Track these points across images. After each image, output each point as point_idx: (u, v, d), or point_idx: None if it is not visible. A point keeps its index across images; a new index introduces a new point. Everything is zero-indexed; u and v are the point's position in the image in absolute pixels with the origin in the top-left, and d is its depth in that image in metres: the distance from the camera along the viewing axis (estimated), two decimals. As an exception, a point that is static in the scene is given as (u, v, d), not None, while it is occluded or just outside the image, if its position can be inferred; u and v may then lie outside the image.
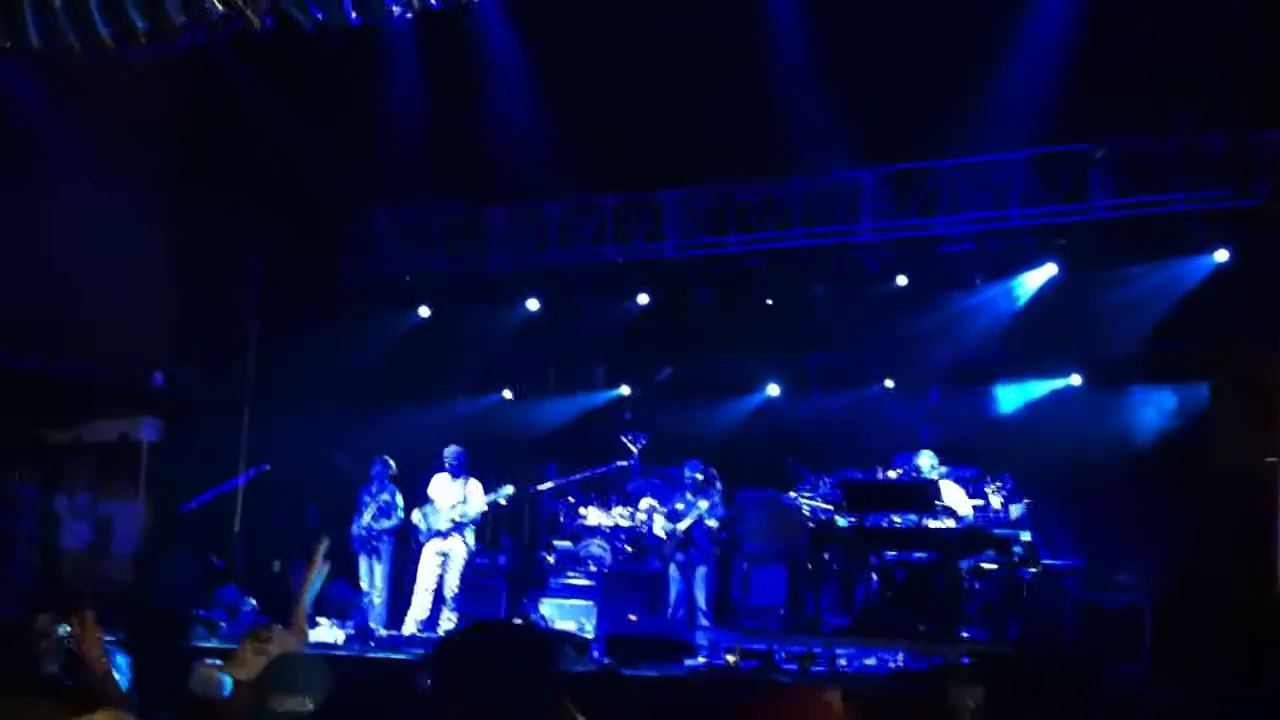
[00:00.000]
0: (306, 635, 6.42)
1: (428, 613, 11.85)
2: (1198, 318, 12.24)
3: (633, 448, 13.31)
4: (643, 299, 15.33)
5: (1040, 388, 13.79)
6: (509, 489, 12.11)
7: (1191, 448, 11.63)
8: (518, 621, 11.55)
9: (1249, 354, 9.20)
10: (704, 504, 11.81)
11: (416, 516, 12.12)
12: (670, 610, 11.63)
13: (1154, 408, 12.81)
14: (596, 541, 12.58)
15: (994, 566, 10.43)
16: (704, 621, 11.48)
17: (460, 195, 15.77)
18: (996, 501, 11.14)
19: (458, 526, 11.99)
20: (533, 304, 15.72)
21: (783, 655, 10.07)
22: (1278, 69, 8.80)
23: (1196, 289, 12.59)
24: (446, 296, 16.07)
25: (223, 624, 11.10)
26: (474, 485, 12.15)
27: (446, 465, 12.20)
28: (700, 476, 11.94)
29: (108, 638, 6.37)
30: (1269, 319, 8.73)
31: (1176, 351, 12.57)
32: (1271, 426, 8.65)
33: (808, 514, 11.53)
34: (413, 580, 12.01)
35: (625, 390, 16.06)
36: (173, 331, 14.44)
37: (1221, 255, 12.55)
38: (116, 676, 4.94)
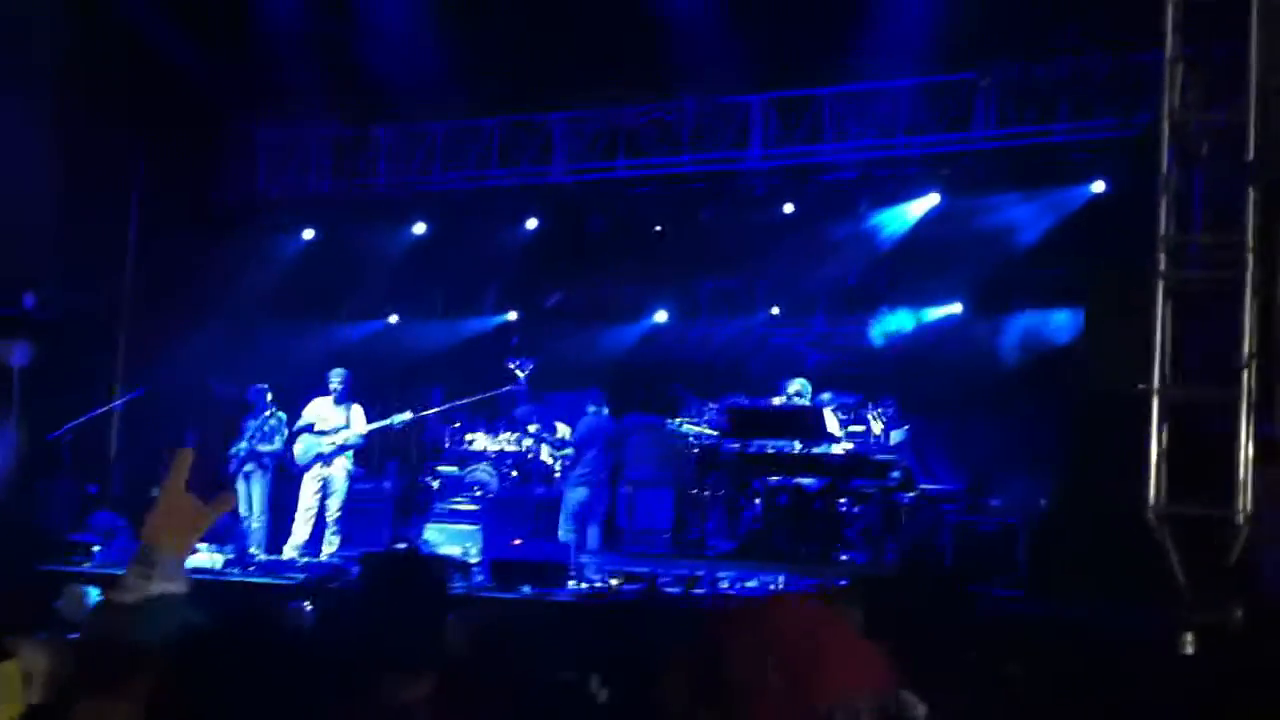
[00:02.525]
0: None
1: (308, 538, 11.73)
2: (1076, 245, 12.44)
3: (520, 373, 13.23)
4: (531, 224, 15.18)
5: (924, 315, 13.96)
6: (404, 415, 12.00)
7: (1068, 373, 11.87)
8: (402, 548, 11.51)
9: (1123, 280, 9.34)
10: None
11: (299, 442, 11.94)
12: (560, 535, 11.63)
13: (1032, 334, 13.05)
14: (483, 466, 12.52)
15: (873, 491, 10.60)
16: (591, 545, 11.52)
17: (344, 115, 15.43)
18: (878, 427, 11.30)
19: (340, 450, 11.85)
20: (419, 227, 15.48)
21: (667, 579, 10.16)
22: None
23: (1075, 216, 12.79)
24: (331, 218, 15.77)
25: (96, 548, 10.88)
26: (356, 410, 12.00)
27: (330, 389, 12.02)
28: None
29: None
30: (1144, 246, 8.85)
31: (1054, 278, 12.80)
32: (1144, 352, 8.80)
33: (693, 440, 11.59)
34: (294, 506, 11.86)
35: (513, 315, 15.94)
36: (45, 251, 13.96)
37: (1099, 186, 12.77)
38: None
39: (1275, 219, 8.71)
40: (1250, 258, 8.49)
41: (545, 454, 12.25)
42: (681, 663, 2.58)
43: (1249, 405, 8.49)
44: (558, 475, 12.18)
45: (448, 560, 10.34)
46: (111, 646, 4.77)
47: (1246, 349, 8.51)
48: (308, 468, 11.85)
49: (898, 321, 13.98)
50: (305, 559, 11.50)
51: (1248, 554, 7.96)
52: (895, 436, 11.30)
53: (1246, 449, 8.42)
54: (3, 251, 13.32)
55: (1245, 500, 8.25)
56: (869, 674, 2.59)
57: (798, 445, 10.93)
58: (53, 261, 14.21)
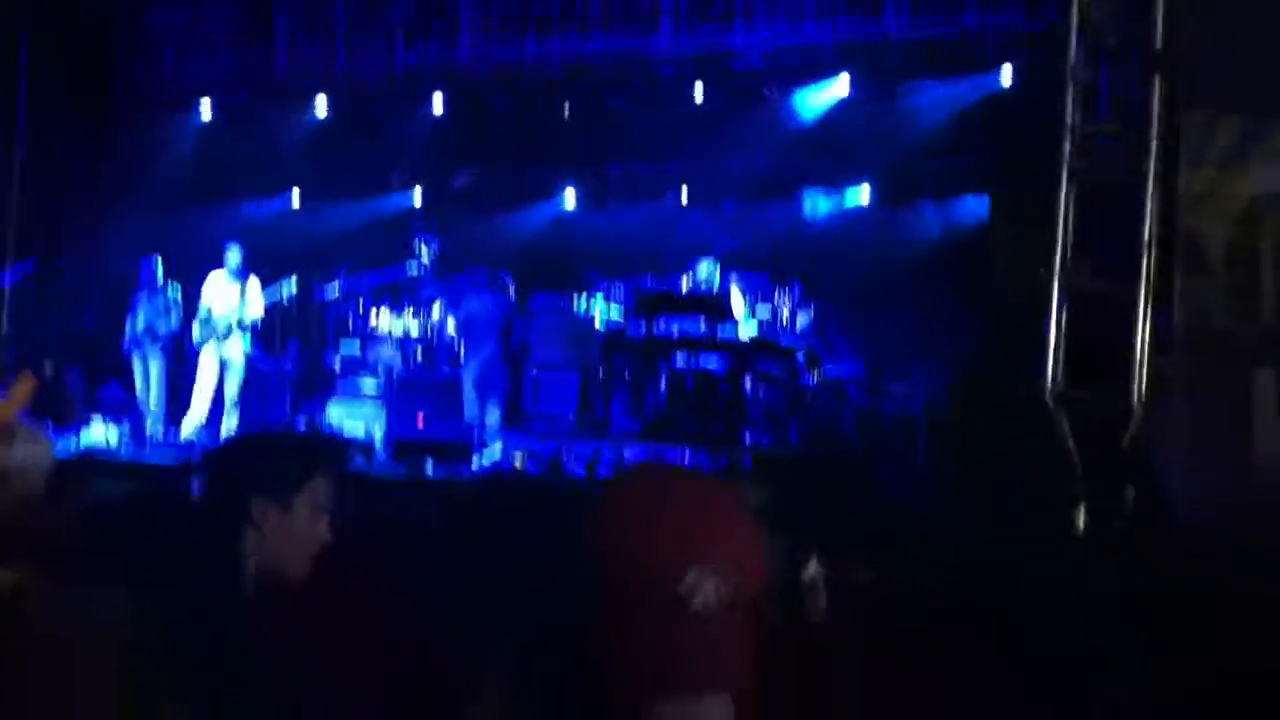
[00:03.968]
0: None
1: (206, 417, 11.56)
2: (984, 136, 12.51)
3: (425, 253, 13.05)
4: (437, 105, 14.89)
5: (832, 201, 14.00)
6: (290, 283, 11.79)
7: (972, 261, 12.00)
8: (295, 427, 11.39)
9: (1030, 171, 9.43)
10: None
11: (195, 320, 11.72)
12: (465, 414, 11.56)
13: (937, 223, 13.16)
14: (386, 346, 12.38)
15: (779, 374, 10.67)
16: (490, 424, 11.46)
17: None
18: (785, 311, 11.35)
19: (236, 328, 11.63)
20: (321, 105, 15.11)
21: (572, 458, 10.16)
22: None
23: (983, 107, 12.85)
24: (231, 99, 15.34)
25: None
26: (253, 285, 11.78)
27: (226, 265, 11.78)
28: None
29: None
30: (1051, 138, 8.94)
31: (960, 168, 12.88)
32: (1046, 242, 8.92)
33: (600, 322, 11.56)
34: (191, 384, 11.66)
35: (418, 196, 15.69)
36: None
37: (1006, 78, 12.83)
38: None
39: (1178, 111, 8.82)
40: (1154, 147, 8.61)
41: (449, 332, 12.14)
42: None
43: (1146, 295, 8.66)
44: (461, 356, 12.08)
45: (340, 438, 10.24)
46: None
47: (1146, 237, 8.66)
48: (203, 344, 11.63)
49: (809, 208, 14.03)
50: (202, 440, 11.33)
51: (1142, 441, 8.17)
52: (801, 320, 11.37)
53: (1143, 337, 8.61)
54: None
55: (1140, 388, 8.45)
56: (759, 553, 2.57)
57: (703, 327, 10.93)
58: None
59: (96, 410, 11.89)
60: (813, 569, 4.56)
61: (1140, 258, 8.65)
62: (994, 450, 9.20)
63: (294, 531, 3.48)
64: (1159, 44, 8.62)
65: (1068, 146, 8.92)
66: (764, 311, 11.28)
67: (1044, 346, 8.80)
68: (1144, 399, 8.49)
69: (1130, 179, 8.77)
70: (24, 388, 7.01)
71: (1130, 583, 5.96)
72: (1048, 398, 8.69)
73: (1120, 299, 8.73)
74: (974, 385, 10.17)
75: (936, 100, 13.19)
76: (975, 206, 12.74)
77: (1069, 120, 8.93)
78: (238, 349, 11.71)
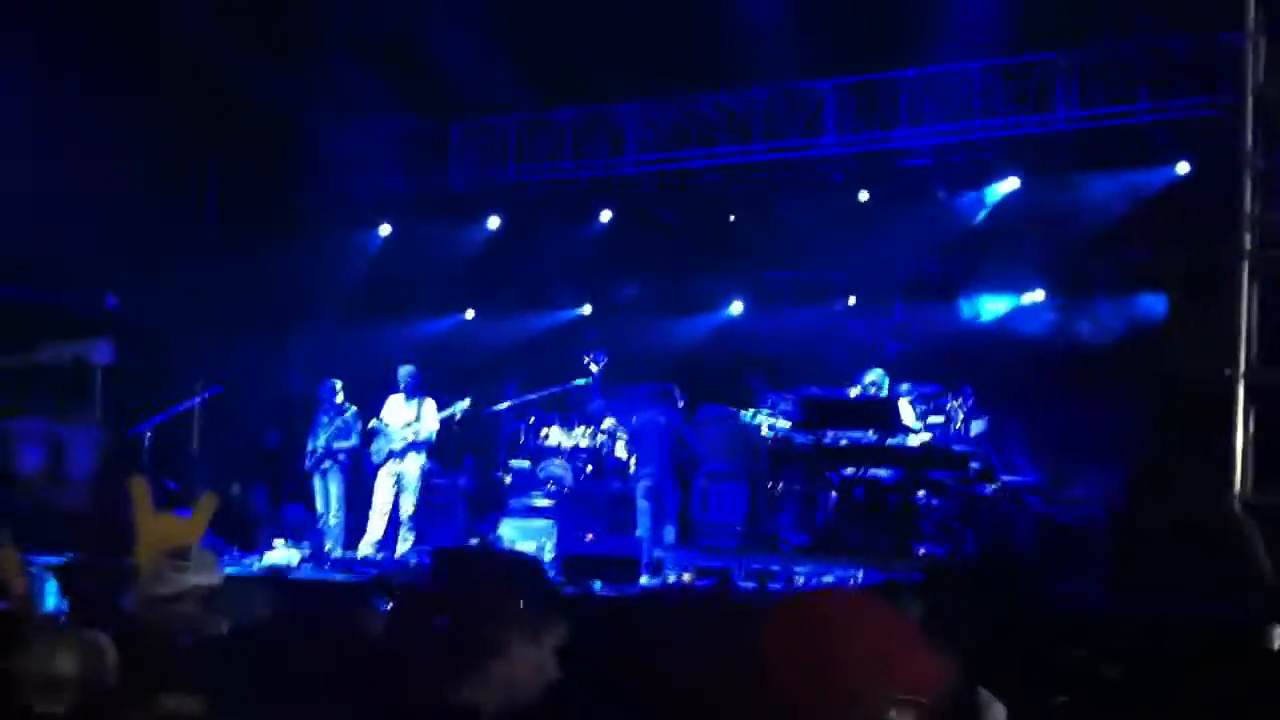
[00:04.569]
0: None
1: (383, 534, 11.77)
2: (1158, 229, 12.13)
3: (594, 367, 13.18)
4: (605, 216, 15.16)
5: (1003, 301, 13.70)
6: (464, 404, 12.00)
7: (1151, 360, 11.58)
8: (475, 544, 11.52)
9: (1207, 263, 9.09)
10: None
11: (373, 439, 12.01)
12: (636, 530, 11.53)
13: (1114, 320, 12.74)
14: (557, 461, 12.46)
15: (951, 483, 10.39)
16: (667, 540, 11.41)
17: (415, 111, 15.53)
18: (956, 418, 11.08)
19: (412, 446, 11.87)
20: (493, 222, 15.54)
21: (741, 573, 10.05)
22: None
23: (1158, 200, 12.48)
24: (406, 215, 15.89)
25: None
26: (428, 405, 12.02)
27: (400, 386, 12.07)
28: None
29: (45, 560, 6.21)
30: (1227, 229, 8.60)
31: (1136, 263, 12.49)
32: (1228, 338, 8.55)
33: (767, 432, 11.45)
34: (368, 503, 11.91)
35: (587, 309, 15.92)
36: (126, 252, 14.19)
37: (1183, 167, 12.45)
38: (39, 599, 4.85)
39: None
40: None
41: (619, 448, 12.17)
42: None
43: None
44: (632, 470, 12.09)
45: (524, 556, 10.31)
46: (157, 639, 4.77)
47: (1337, 333, 8.24)
48: (382, 464, 11.89)
49: (978, 309, 13.75)
50: (380, 555, 11.55)
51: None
52: (975, 427, 11.08)
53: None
54: (87, 254, 13.56)
55: (1335, 489, 7.98)
56: (921, 672, 2.50)
57: (873, 436, 10.73)
58: (135, 262, 14.44)
59: (279, 529, 12.25)
60: (989, 698, 4.38)
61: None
62: (1181, 559, 8.78)
63: (535, 662, 3.51)
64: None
65: (1246, 235, 8.60)
66: (936, 418, 11.02)
67: (1230, 450, 8.42)
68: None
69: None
70: (207, 508, 7.25)
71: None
72: (1236, 505, 8.29)
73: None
74: (1157, 490, 9.76)
75: (1110, 193, 12.87)
76: (1152, 303, 12.31)
77: (1247, 209, 8.62)
78: (414, 466, 11.93)
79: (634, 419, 12.07)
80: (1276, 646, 7.10)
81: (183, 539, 5.95)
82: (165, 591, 5.55)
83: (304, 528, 12.26)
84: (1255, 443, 8.35)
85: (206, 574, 6.87)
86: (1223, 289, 8.66)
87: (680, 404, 12.14)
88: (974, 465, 10.47)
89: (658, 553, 10.89)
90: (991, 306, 13.76)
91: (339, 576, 10.48)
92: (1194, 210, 11.66)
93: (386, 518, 11.81)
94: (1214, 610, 7.96)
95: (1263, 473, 8.31)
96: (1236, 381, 8.47)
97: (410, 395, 12.07)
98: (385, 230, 15.94)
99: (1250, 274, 8.54)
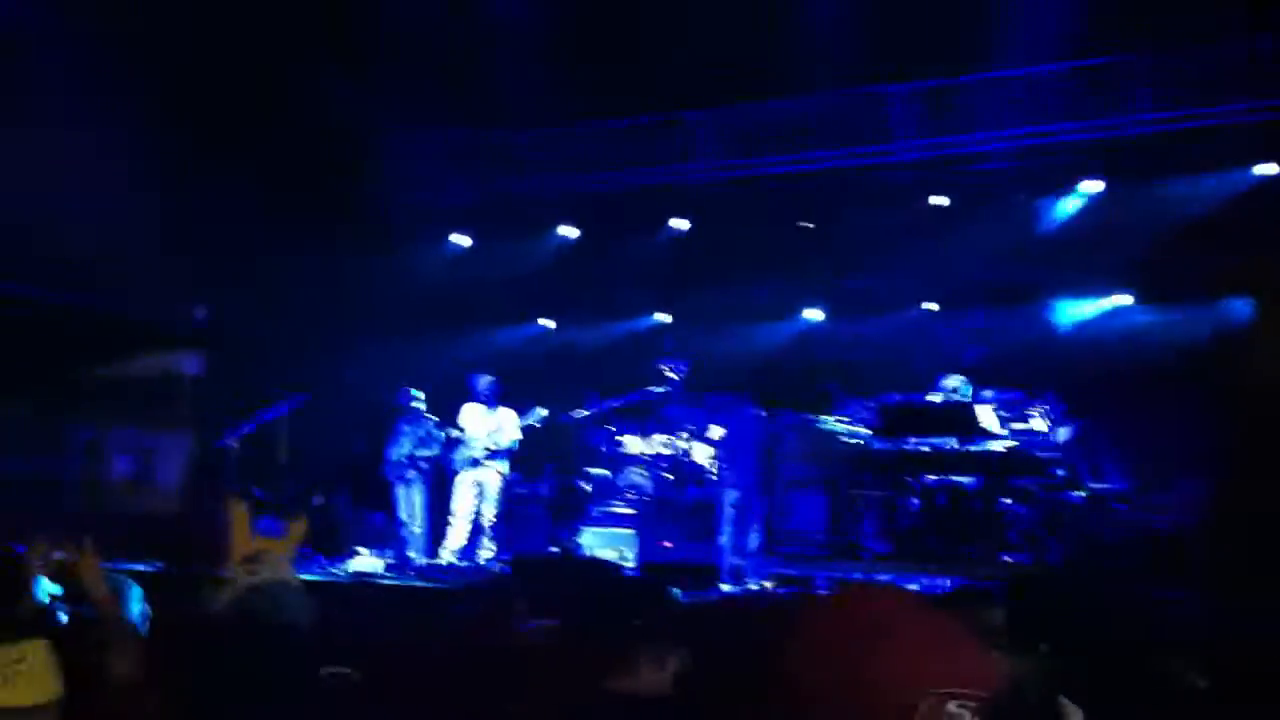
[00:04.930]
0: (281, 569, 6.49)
1: (465, 542, 11.88)
2: (1244, 232, 11.95)
3: (672, 374, 13.19)
4: (679, 224, 15.19)
5: (1085, 306, 13.55)
6: (541, 411, 12.09)
7: (1239, 365, 11.39)
8: (556, 552, 11.57)
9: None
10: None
11: (455, 447, 12.12)
12: (719, 538, 11.51)
13: (1201, 324, 12.56)
14: (637, 469, 12.48)
15: (1036, 490, 10.29)
16: (751, 548, 11.38)
17: (484, 120, 15.66)
18: (1041, 424, 10.95)
19: (492, 455, 11.98)
20: (569, 231, 15.64)
21: (823, 582, 10.03)
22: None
23: (1243, 202, 12.31)
24: (484, 224, 16.02)
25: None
26: (507, 414, 12.13)
27: (479, 395, 12.19)
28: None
29: (131, 568, 6.32)
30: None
31: (1222, 267, 12.29)
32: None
33: (846, 439, 11.40)
34: (450, 511, 12.02)
35: (665, 317, 15.96)
36: (216, 265, 14.47)
37: (1269, 168, 12.26)
38: (124, 605, 4.97)
39: None
40: None
41: (699, 455, 12.18)
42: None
43: None
44: (713, 477, 12.09)
45: (603, 564, 10.36)
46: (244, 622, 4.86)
47: None
48: (463, 472, 12.00)
49: (1064, 314, 13.62)
50: (463, 564, 11.65)
51: None
52: (1061, 434, 10.94)
53: None
54: (176, 266, 13.83)
55: None
56: (962, 672, 2.50)
57: (955, 443, 10.65)
58: (222, 275, 14.71)
59: (363, 537, 12.41)
60: (1070, 707, 4.36)
61: None
62: (1273, 567, 8.63)
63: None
64: None
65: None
66: (1020, 425, 10.90)
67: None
68: None
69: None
70: (298, 532, 7.52)
71: None
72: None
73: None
74: (1248, 496, 9.60)
75: (1195, 195, 12.70)
76: (1239, 307, 12.11)
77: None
78: (495, 475, 12.03)
79: (722, 427, 12.08)
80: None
81: (280, 560, 6.15)
82: (239, 591, 5.73)
83: (387, 535, 12.40)
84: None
85: (275, 571, 7.04)
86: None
87: (763, 412, 12.12)
88: (1059, 472, 10.35)
89: (738, 561, 10.89)
90: (1075, 311, 13.61)
91: (422, 584, 10.58)
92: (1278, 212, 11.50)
93: (469, 525, 11.92)
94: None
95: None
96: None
97: (490, 404, 12.18)
98: (464, 240, 16.08)
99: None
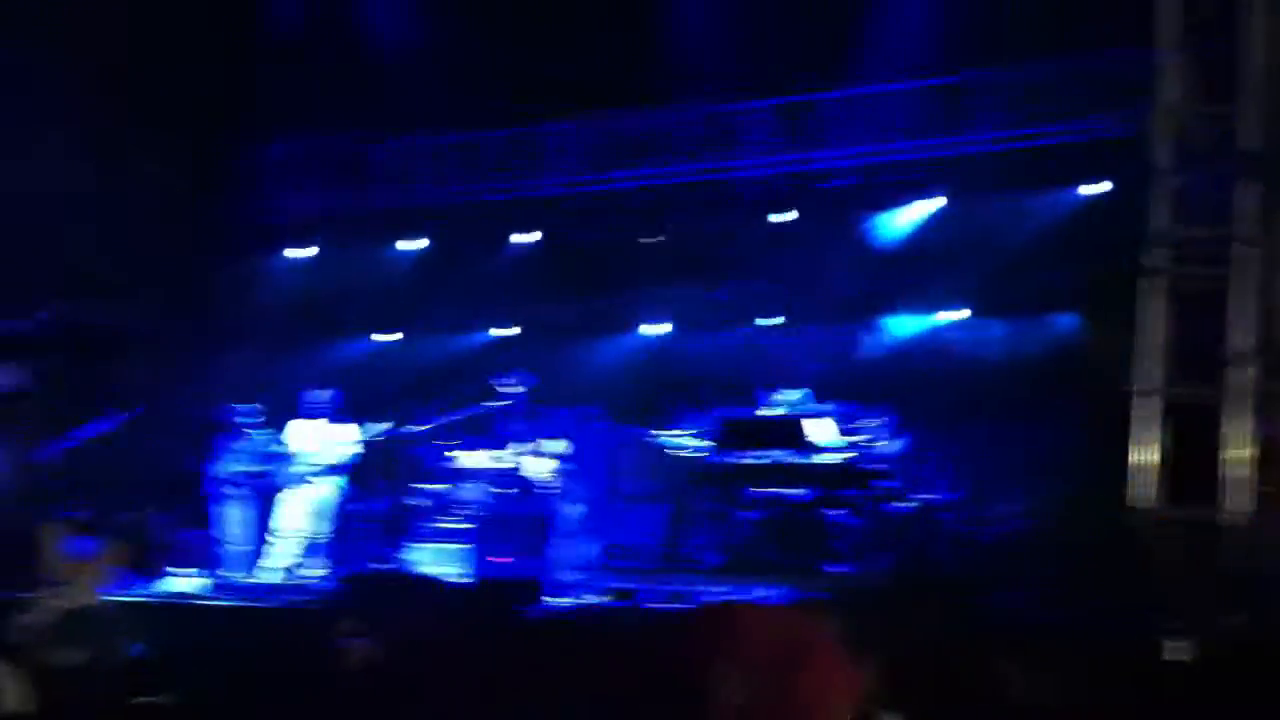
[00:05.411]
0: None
1: (294, 560, 11.55)
2: (1077, 247, 12.21)
3: (514, 388, 13.01)
4: (530, 237, 15.06)
5: (922, 321, 13.73)
6: (382, 426, 11.83)
7: (1068, 378, 11.63)
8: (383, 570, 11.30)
9: (1122, 280, 9.14)
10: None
11: (286, 462, 11.80)
12: (554, 551, 11.36)
13: (1028, 338, 12.82)
14: (473, 484, 12.28)
15: (866, 502, 10.37)
16: (588, 561, 11.27)
17: (338, 132, 15.41)
18: (875, 437, 11.02)
19: (327, 471, 11.68)
20: (418, 243, 15.43)
21: (655, 595, 9.94)
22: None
23: (1077, 218, 12.61)
24: (330, 235, 15.73)
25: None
26: (344, 429, 11.84)
27: (317, 409, 11.89)
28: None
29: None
30: (1141, 246, 8.69)
31: (1054, 282, 12.56)
32: (1143, 355, 8.62)
33: (685, 452, 11.37)
34: (279, 528, 11.69)
35: (510, 331, 15.78)
36: (40, 274, 13.95)
37: (1101, 186, 12.57)
38: None
39: (1273, 213, 8.50)
40: (1246, 252, 8.29)
41: (538, 470, 12.02)
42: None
43: (1246, 405, 8.26)
44: (552, 491, 11.94)
45: (430, 580, 10.11)
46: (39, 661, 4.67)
47: (1244, 347, 8.29)
48: (295, 488, 11.69)
49: (900, 328, 13.77)
50: (292, 583, 11.31)
51: (1244, 558, 7.73)
52: (893, 446, 11.04)
53: (1245, 450, 8.19)
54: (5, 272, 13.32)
55: (1240, 502, 8.02)
56: (842, 686, 2.44)
57: (790, 456, 10.68)
58: (63, 282, 14.19)
59: (186, 555, 12.00)
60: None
61: (1236, 365, 8.30)
62: (1093, 573, 8.77)
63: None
64: (1247, 145, 8.40)
65: (1157, 252, 8.67)
66: (854, 438, 10.97)
67: (1144, 465, 8.46)
68: (1249, 514, 8.07)
69: (1222, 286, 8.45)
70: (117, 557, 7.26)
71: (1232, 711, 5.56)
72: (1147, 516, 8.32)
73: (1216, 411, 8.35)
74: (1075, 504, 9.77)
75: (1031, 212, 12.98)
76: (1068, 320, 12.39)
77: (1158, 225, 8.69)
78: (328, 491, 11.74)
79: (565, 441, 11.97)
80: (1181, 657, 7.07)
81: (89, 583, 5.91)
82: (46, 619, 5.47)
83: (210, 553, 12.01)
84: (1164, 457, 8.40)
85: (83, 595, 6.74)
86: (1137, 306, 8.72)
87: (605, 426, 12.05)
88: (888, 483, 10.45)
89: (575, 575, 10.75)
90: (913, 326, 13.78)
91: (249, 603, 10.24)
92: (1112, 228, 11.75)
93: (299, 543, 11.60)
94: (1124, 622, 7.94)
95: (1175, 487, 8.36)
96: (1150, 398, 8.51)
97: (328, 418, 11.89)
98: (308, 251, 15.76)
99: (1160, 290, 8.60)
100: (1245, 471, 8.17)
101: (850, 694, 2.51)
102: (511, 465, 12.01)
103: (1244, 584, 7.47)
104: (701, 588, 9.93)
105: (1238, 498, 8.14)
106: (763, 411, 11.47)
